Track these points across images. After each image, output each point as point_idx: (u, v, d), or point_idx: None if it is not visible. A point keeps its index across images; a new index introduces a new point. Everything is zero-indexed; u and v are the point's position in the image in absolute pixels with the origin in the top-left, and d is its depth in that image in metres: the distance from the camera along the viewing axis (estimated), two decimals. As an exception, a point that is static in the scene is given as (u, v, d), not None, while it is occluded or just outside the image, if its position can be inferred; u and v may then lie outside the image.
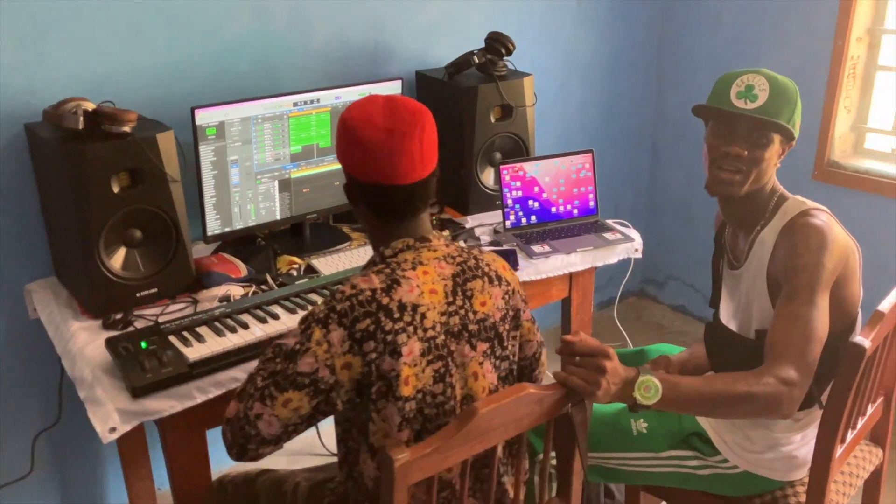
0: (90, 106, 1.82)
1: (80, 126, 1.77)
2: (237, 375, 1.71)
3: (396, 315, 1.30)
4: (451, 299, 1.37)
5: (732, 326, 1.73)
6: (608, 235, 2.38)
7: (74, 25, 2.02)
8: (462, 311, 1.38)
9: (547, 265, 2.23)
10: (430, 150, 1.39)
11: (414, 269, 1.36)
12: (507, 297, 1.45)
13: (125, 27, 2.10)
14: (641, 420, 1.75)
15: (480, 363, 1.40)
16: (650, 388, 1.38)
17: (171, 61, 2.18)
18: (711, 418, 1.70)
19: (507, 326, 1.44)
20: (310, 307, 1.86)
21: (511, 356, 1.46)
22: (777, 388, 1.40)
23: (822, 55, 2.80)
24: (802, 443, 1.68)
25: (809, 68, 2.84)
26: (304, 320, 1.34)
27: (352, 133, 1.35)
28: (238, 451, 1.34)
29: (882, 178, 2.75)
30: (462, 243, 1.51)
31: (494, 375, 1.43)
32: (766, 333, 1.52)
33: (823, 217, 1.59)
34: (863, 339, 1.47)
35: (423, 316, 1.33)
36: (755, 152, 1.56)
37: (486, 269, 1.44)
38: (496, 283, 1.44)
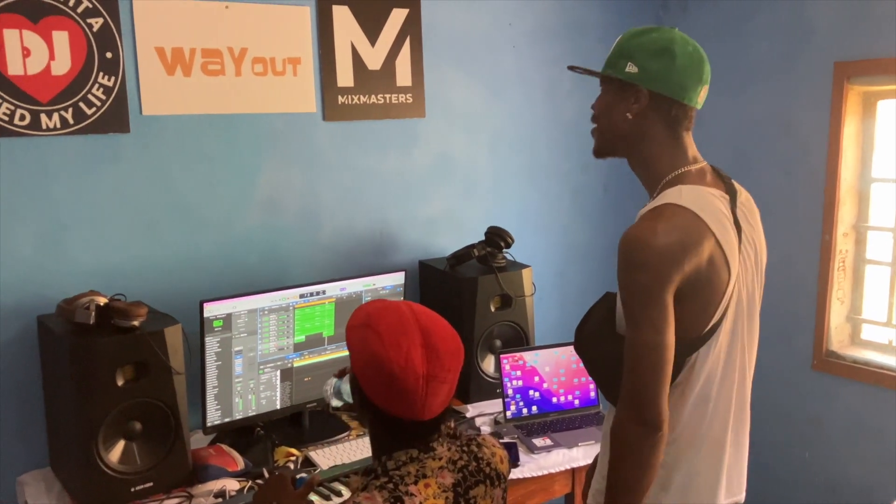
0: (102, 300, 1.89)
1: (92, 321, 1.83)
2: (227, 582, 1.65)
3: None
4: None
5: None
6: (610, 427, 2.36)
7: (92, 221, 2.13)
8: None
9: (549, 460, 2.20)
10: (455, 384, 1.37)
11: (416, 483, 1.31)
12: (504, 494, 1.43)
13: (140, 222, 2.21)
14: None
15: None
16: None
17: (182, 254, 2.28)
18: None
19: None
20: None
21: None
22: (626, 434, 1.42)
23: (811, 248, 2.91)
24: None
25: (801, 260, 2.94)
26: None
27: (389, 377, 1.28)
28: None
29: (881, 370, 2.76)
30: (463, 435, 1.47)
31: None
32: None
33: (663, 218, 1.42)
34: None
35: None
36: (597, 103, 1.59)
37: (487, 470, 1.41)
38: (496, 483, 1.42)
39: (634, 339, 1.41)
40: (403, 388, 1.28)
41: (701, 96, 1.53)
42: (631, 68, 1.50)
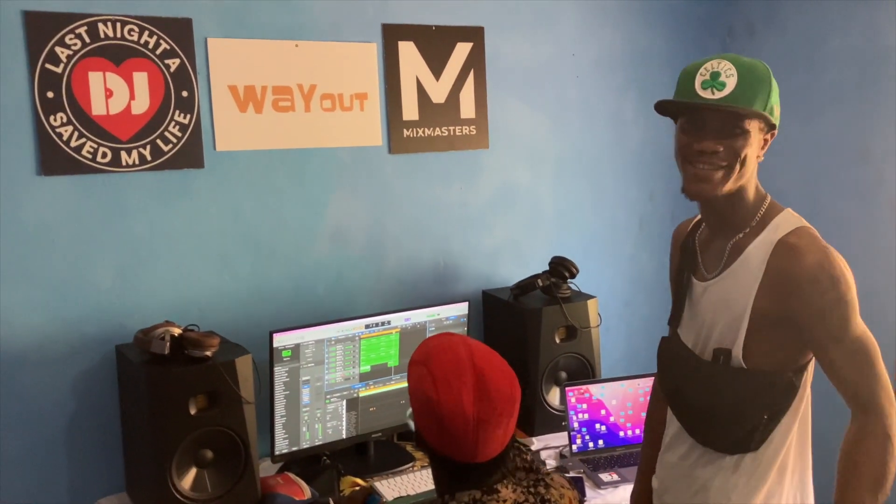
0: (177, 331, 1.95)
1: (167, 351, 1.89)
2: None
3: None
4: None
5: (689, 342, 1.58)
6: (679, 463, 2.31)
7: (168, 254, 2.21)
8: None
9: (616, 496, 2.16)
10: (513, 427, 1.34)
11: None
12: None
13: (213, 254, 2.28)
14: None
15: None
16: None
17: (253, 286, 2.34)
18: None
19: None
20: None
21: None
22: (887, 435, 1.37)
23: (889, 280, 2.80)
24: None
25: (878, 293, 2.83)
26: None
27: (439, 419, 1.27)
28: None
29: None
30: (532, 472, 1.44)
31: None
32: (757, 359, 1.47)
33: (822, 239, 1.48)
34: None
35: None
36: (733, 145, 1.40)
37: None
38: None
39: (861, 347, 1.42)
40: (453, 430, 1.26)
41: None
42: (772, 103, 1.45)
